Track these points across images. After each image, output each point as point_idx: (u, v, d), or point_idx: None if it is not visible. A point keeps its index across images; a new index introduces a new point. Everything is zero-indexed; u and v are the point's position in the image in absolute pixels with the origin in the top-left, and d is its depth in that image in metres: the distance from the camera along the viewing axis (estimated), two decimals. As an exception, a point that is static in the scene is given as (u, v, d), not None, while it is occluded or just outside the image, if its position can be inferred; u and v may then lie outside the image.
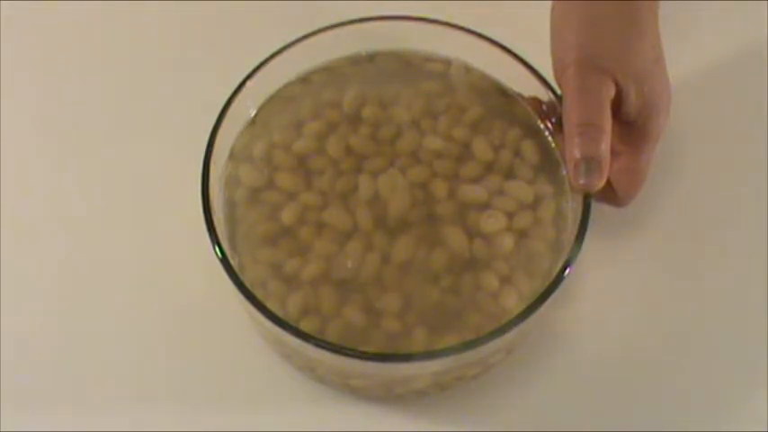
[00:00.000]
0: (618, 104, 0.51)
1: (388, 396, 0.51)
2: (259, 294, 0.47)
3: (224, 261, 0.47)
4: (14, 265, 0.56)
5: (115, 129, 0.61)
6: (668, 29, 0.53)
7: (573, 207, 0.50)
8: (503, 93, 0.55)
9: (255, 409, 0.52)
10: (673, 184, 0.58)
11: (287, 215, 0.51)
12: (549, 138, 0.53)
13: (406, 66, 0.56)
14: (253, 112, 0.54)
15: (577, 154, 0.49)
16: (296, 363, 0.51)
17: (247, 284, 0.47)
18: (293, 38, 0.53)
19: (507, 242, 0.50)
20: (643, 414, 0.52)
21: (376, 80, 0.55)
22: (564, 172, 0.51)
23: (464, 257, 0.50)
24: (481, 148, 0.53)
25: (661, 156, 0.54)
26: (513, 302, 0.49)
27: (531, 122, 0.54)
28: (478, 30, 0.54)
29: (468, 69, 0.55)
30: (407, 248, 0.50)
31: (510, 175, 0.52)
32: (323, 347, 0.45)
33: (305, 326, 0.48)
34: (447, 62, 0.56)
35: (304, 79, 0.55)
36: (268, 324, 0.46)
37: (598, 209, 0.50)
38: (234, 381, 0.53)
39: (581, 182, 0.49)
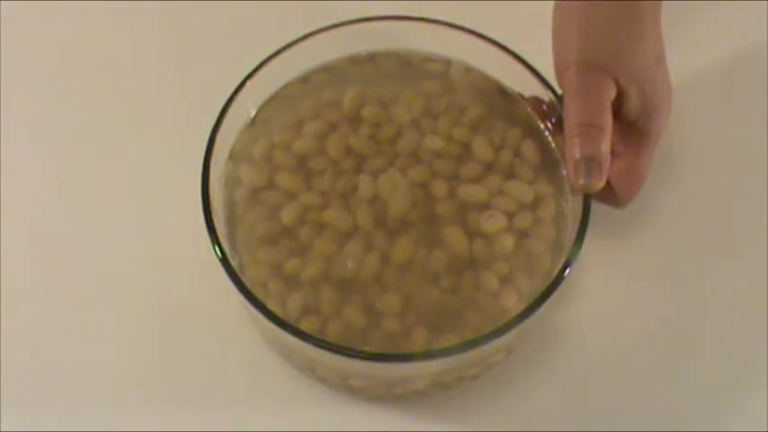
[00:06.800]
0: (619, 105, 0.51)
1: (388, 396, 0.51)
2: (259, 294, 0.47)
3: (224, 261, 0.47)
4: (14, 265, 0.56)
5: (115, 129, 0.61)
6: (668, 29, 0.53)
7: (573, 207, 0.50)
8: (503, 93, 0.55)
9: (255, 408, 0.52)
10: (673, 184, 0.58)
11: (287, 215, 0.51)
12: (549, 138, 0.53)
13: (406, 66, 0.56)
14: (253, 112, 0.54)
15: (577, 154, 0.49)
16: (296, 363, 0.51)
17: (247, 284, 0.47)
18: (293, 38, 0.53)
19: (507, 242, 0.50)
20: (643, 414, 0.52)
21: (376, 80, 0.55)
22: (564, 172, 0.51)
23: (464, 257, 0.50)
24: (481, 148, 0.52)
25: (661, 156, 0.54)
26: (513, 302, 0.49)
27: (531, 122, 0.54)
28: (478, 30, 0.54)
29: (468, 69, 0.55)
30: (407, 248, 0.50)
31: (510, 175, 0.52)
32: (323, 347, 0.45)
33: (305, 326, 0.48)
34: (447, 62, 0.56)
35: (304, 79, 0.55)
36: (268, 324, 0.46)
37: (598, 209, 0.50)
38: (234, 381, 0.53)
39: (581, 182, 0.49)
